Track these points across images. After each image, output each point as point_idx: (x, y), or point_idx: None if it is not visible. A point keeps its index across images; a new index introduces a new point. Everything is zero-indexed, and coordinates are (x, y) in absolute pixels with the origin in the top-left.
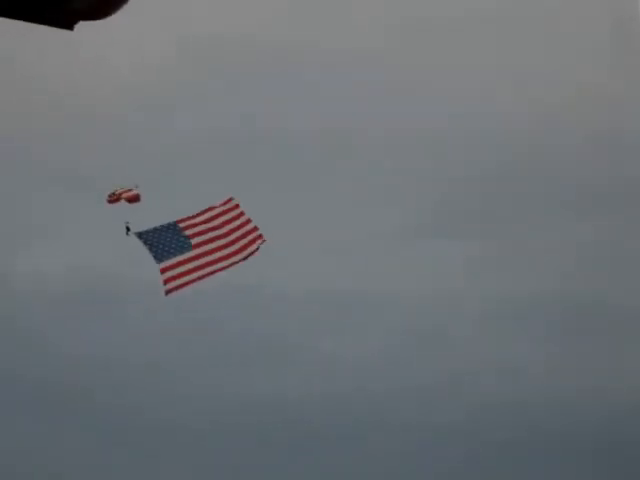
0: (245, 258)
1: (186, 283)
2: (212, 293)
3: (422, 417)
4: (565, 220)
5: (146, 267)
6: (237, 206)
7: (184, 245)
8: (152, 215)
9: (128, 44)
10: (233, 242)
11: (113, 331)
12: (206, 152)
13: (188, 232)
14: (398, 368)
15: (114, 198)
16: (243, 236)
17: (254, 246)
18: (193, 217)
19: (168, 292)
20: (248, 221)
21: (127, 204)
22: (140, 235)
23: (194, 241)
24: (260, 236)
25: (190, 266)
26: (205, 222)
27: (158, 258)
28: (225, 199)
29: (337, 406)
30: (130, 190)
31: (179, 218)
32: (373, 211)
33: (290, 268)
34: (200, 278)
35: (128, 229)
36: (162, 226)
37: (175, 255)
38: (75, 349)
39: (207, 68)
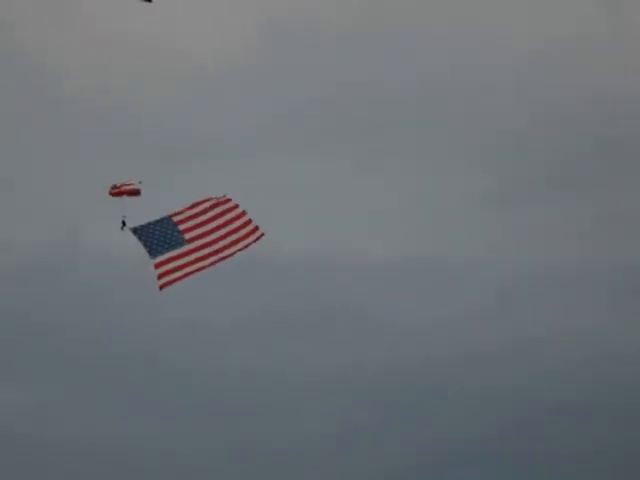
0: (241, 249)
1: (179, 278)
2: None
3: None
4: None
5: None
6: (230, 200)
7: (177, 240)
8: None
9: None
10: (226, 235)
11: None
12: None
13: (182, 227)
14: (475, 333)
15: (116, 191)
16: (237, 229)
17: (252, 238)
18: (187, 209)
19: (162, 287)
20: (243, 213)
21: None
22: (135, 230)
23: (187, 236)
24: (256, 228)
25: (183, 261)
26: (198, 215)
27: (152, 254)
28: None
29: (413, 373)
30: (131, 184)
31: (173, 212)
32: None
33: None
34: (193, 272)
35: (124, 224)
36: (156, 221)
37: (168, 250)
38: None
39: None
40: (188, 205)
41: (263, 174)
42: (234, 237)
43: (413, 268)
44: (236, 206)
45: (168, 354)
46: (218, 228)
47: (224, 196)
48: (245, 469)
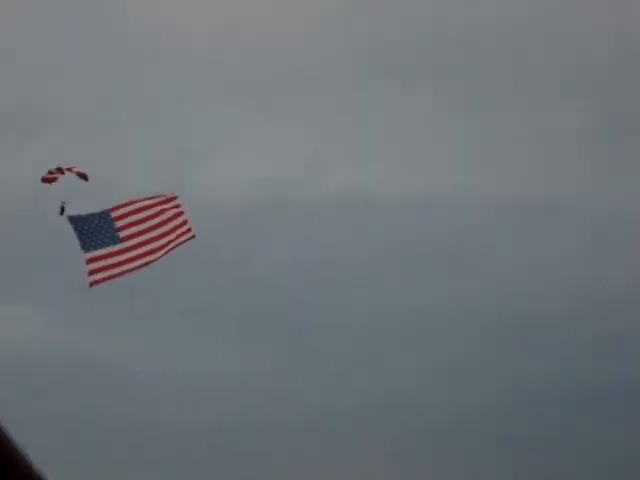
0: (170, 251)
1: (111, 276)
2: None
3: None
4: None
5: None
6: (174, 198)
7: (113, 238)
8: None
9: None
10: (160, 237)
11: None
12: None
13: (119, 223)
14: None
15: (53, 175)
16: (173, 230)
17: (182, 239)
18: (129, 204)
19: (92, 284)
20: (181, 213)
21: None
22: (72, 219)
23: (122, 234)
24: (189, 230)
25: (114, 260)
26: (136, 212)
27: (85, 248)
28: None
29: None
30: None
31: (114, 205)
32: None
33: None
34: (125, 272)
35: (62, 209)
36: (94, 214)
37: (102, 247)
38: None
39: None
40: (130, 200)
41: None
42: (168, 239)
43: (509, 207)
44: (177, 205)
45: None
46: (154, 227)
47: (173, 193)
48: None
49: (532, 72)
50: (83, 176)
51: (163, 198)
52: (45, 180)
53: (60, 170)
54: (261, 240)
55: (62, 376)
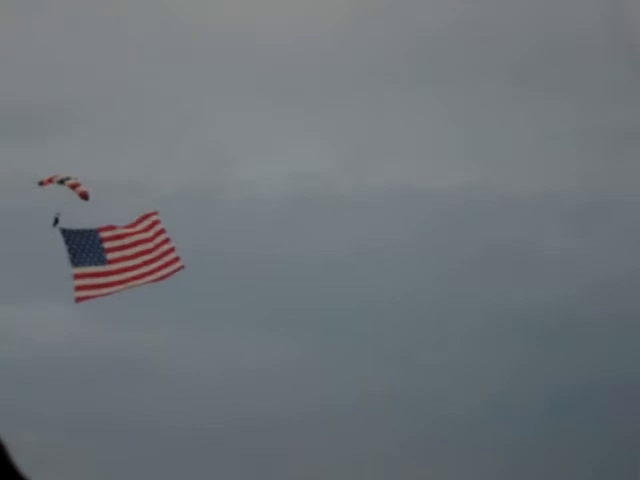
0: (157, 280)
1: (95, 296)
2: None
3: None
4: None
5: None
6: (158, 222)
7: (100, 259)
8: None
9: None
10: (146, 263)
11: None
12: None
13: (107, 245)
14: None
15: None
16: (159, 257)
17: (170, 268)
18: (116, 228)
19: (78, 300)
20: (166, 240)
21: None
22: (64, 232)
23: (109, 256)
24: (177, 259)
25: (101, 281)
26: (125, 236)
27: (74, 262)
28: (151, 212)
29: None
30: (78, 185)
31: (103, 226)
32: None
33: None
34: (110, 293)
35: (57, 220)
36: (85, 230)
37: (90, 265)
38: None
39: None
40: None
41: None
42: (153, 266)
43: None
44: (163, 230)
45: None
46: (141, 254)
47: (154, 214)
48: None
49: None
50: (84, 195)
51: (148, 222)
52: (42, 183)
53: (62, 182)
54: (299, 235)
55: (95, 374)
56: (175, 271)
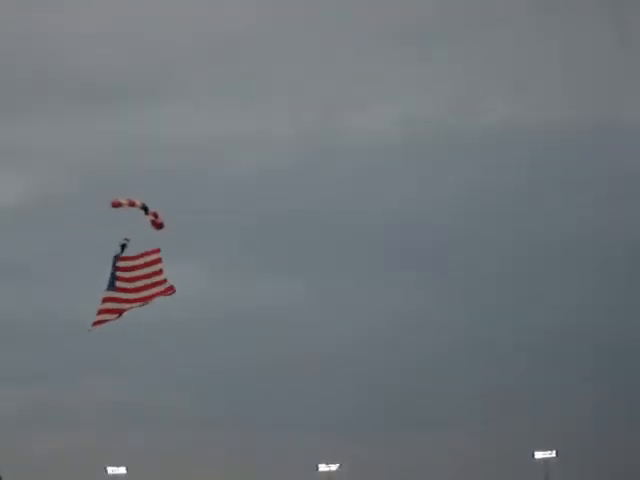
0: (147, 302)
1: (106, 320)
2: None
3: None
4: None
5: None
6: (157, 251)
7: (113, 284)
8: None
9: None
10: (143, 288)
11: None
12: None
13: (120, 274)
14: None
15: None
16: (153, 285)
17: (163, 294)
18: (132, 259)
19: (95, 324)
20: (160, 271)
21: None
22: (116, 258)
23: (118, 284)
24: (171, 287)
25: (112, 305)
26: (133, 269)
27: (108, 287)
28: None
29: None
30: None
31: (123, 256)
32: None
33: None
34: (113, 319)
35: (123, 248)
36: (115, 257)
37: (109, 290)
38: None
39: None
40: (135, 254)
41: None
42: (149, 292)
43: None
44: (159, 259)
45: None
46: (140, 281)
47: (158, 251)
48: None
49: None
50: (159, 225)
51: (151, 257)
52: (114, 204)
53: (144, 208)
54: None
55: None
56: (168, 294)
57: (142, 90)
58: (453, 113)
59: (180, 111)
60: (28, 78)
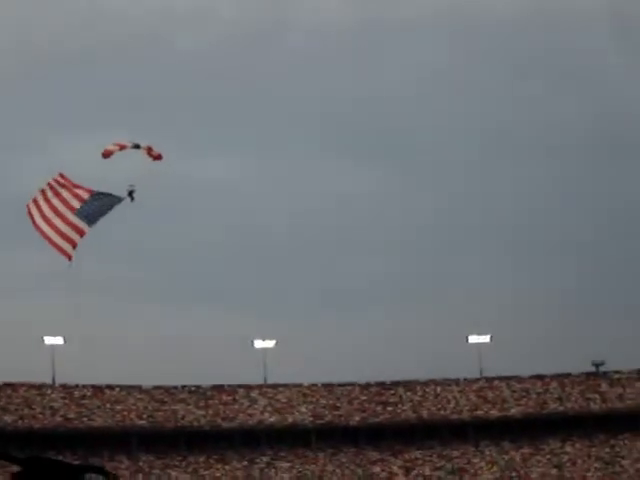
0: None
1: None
2: None
3: None
4: None
5: None
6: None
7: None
8: None
9: None
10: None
11: None
12: None
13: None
14: None
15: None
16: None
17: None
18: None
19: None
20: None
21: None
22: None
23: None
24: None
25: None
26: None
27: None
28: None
29: None
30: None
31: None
32: None
33: None
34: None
35: (132, 196)
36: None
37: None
38: None
39: None
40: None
41: None
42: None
43: None
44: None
45: None
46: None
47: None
48: None
49: None
50: (157, 157)
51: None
52: (105, 154)
53: (137, 146)
54: None
55: None
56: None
57: None
58: None
59: None
60: None
